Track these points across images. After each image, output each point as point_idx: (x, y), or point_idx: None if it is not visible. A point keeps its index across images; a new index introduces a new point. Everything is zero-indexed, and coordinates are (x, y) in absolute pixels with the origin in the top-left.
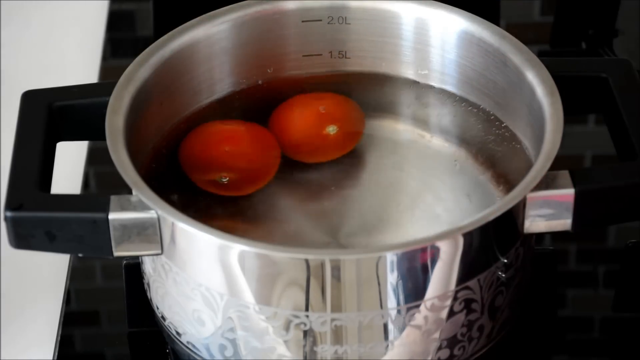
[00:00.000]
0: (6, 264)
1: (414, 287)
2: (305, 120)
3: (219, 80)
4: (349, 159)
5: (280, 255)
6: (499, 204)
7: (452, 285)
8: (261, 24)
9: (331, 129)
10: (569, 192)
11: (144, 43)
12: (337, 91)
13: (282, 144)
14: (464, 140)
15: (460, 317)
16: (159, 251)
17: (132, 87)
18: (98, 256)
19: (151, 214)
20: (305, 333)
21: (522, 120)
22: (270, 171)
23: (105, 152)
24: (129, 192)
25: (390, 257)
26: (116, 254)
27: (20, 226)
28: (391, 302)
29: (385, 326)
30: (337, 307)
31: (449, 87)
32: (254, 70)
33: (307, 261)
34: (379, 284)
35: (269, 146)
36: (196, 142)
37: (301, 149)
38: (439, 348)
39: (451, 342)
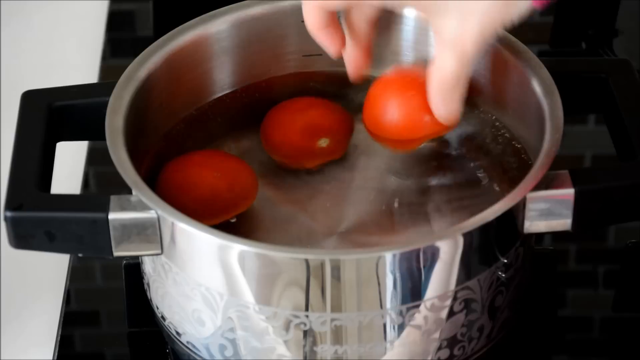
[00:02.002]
0: (6, 264)
1: (414, 287)
2: (297, 132)
3: (219, 80)
4: (349, 157)
5: (280, 255)
6: (499, 204)
7: (452, 285)
8: (261, 24)
9: (322, 142)
10: (569, 192)
11: (144, 43)
12: (337, 91)
13: (273, 151)
14: (463, 140)
15: (460, 317)
16: (159, 251)
17: (132, 87)
18: (98, 256)
19: (151, 214)
20: (305, 333)
21: (522, 120)
22: (250, 199)
23: (105, 152)
24: (129, 192)
25: (390, 257)
26: (116, 254)
27: (20, 226)
28: (391, 302)
29: (385, 326)
30: (337, 307)
31: None
32: (254, 70)
33: (307, 261)
34: (378, 284)
35: (247, 182)
36: (172, 188)
37: (292, 159)
38: (439, 348)
39: (451, 342)
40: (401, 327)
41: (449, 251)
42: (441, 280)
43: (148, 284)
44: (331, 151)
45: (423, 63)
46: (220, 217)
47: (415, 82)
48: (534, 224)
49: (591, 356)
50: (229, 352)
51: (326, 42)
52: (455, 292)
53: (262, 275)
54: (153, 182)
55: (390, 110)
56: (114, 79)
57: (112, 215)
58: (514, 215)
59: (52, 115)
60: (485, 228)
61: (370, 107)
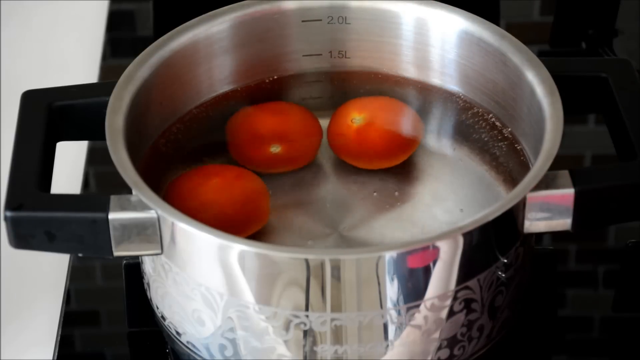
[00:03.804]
0: (6, 264)
1: (414, 286)
2: (249, 138)
3: (219, 80)
4: None
5: (280, 255)
6: (499, 203)
7: (452, 285)
8: (261, 24)
9: (274, 148)
10: (569, 192)
11: (144, 43)
12: (337, 91)
13: (233, 154)
14: (463, 140)
15: (460, 317)
16: (159, 251)
17: (132, 87)
18: (98, 256)
19: (151, 214)
20: (305, 333)
21: (522, 120)
22: (261, 223)
23: (105, 152)
24: (129, 192)
25: (390, 257)
26: (116, 253)
27: (20, 226)
28: (391, 302)
29: (385, 326)
30: (337, 307)
31: (449, 87)
32: (254, 70)
33: (307, 261)
34: (378, 283)
35: (260, 207)
36: (184, 203)
37: (248, 164)
38: (439, 348)
39: (451, 342)
40: (401, 327)
41: (449, 251)
42: (441, 280)
43: (148, 284)
44: (287, 158)
45: (423, 63)
46: None
47: (364, 109)
48: (534, 224)
49: (591, 356)
50: (229, 352)
51: None
52: (455, 292)
53: (262, 275)
54: (153, 181)
55: (344, 136)
56: (114, 79)
57: (112, 215)
58: (514, 215)
59: (52, 115)
60: (485, 228)
61: (330, 131)
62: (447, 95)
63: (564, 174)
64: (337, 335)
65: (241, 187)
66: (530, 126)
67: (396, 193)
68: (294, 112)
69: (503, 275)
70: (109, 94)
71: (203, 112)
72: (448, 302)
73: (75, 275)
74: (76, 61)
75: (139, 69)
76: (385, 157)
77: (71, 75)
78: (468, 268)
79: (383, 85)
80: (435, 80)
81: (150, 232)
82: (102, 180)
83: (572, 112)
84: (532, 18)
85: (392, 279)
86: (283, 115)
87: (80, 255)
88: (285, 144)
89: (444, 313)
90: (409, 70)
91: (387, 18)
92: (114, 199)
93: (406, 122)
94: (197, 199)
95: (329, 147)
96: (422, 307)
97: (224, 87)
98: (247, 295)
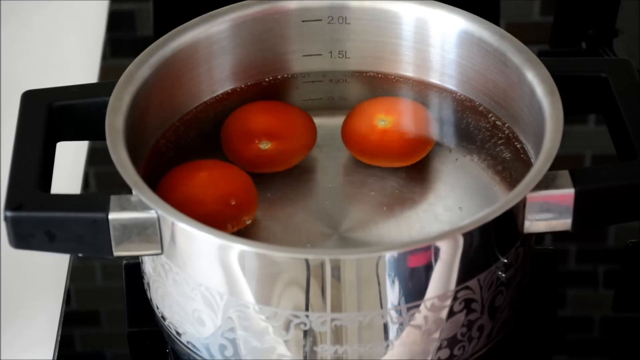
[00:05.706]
0: (6, 264)
1: (414, 287)
2: (239, 134)
3: (219, 80)
4: (349, 157)
5: (280, 255)
6: (499, 204)
7: (452, 285)
8: (261, 24)
9: (263, 145)
10: (569, 192)
11: (144, 43)
12: (337, 91)
13: (227, 153)
14: (463, 140)
15: (460, 317)
16: (159, 251)
17: (132, 87)
18: (98, 256)
19: (151, 214)
20: (305, 333)
21: (522, 120)
22: (249, 215)
23: (105, 152)
24: (129, 192)
25: (390, 257)
26: (116, 254)
27: (20, 226)
28: (391, 302)
29: (385, 326)
30: (337, 307)
31: (449, 87)
32: (254, 70)
33: (307, 261)
34: (379, 283)
35: (246, 200)
36: (171, 202)
37: (240, 162)
38: (439, 348)
39: (451, 342)
40: (401, 327)
41: (449, 251)
42: (441, 280)
43: (148, 284)
44: (277, 156)
45: (423, 63)
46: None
47: (390, 110)
48: (534, 224)
49: (591, 356)
50: (229, 352)
51: None
52: (456, 292)
53: (262, 275)
54: (153, 181)
55: (362, 136)
56: (114, 79)
57: (112, 215)
58: (514, 215)
59: (52, 115)
60: (485, 228)
61: (345, 129)
62: (447, 95)
63: (564, 174)
64: (337, 335)
65: (225, 181)
66: (530, 126)
67: (396, 193)
68: (286, 111)
69: (503, 275)
70: (109, 94)
71: (203, 112)
72: (448, 302)
73: (75, 275)
74: (76, 61)
75: (139, 69)
76: (404, 159)
77: (71, 75)
78: (468, 268)
79: (383, 85)
80: (435, 80)
81: (150, 232)
82: (102, 180)
83: (572, 112)
84: (532, 18)
85: (392, 279)
86: (275, 113)
87: (80, 255)
88: (275, 141)
89: (444, 313)
90: (409, 70)
91: (387, 18)
92: (114, 199)
93: (426, 125)
94: (180, 193)
95: (328, 147)
96: (422, 307)
97: (224, 87)
98: (247, 295)
